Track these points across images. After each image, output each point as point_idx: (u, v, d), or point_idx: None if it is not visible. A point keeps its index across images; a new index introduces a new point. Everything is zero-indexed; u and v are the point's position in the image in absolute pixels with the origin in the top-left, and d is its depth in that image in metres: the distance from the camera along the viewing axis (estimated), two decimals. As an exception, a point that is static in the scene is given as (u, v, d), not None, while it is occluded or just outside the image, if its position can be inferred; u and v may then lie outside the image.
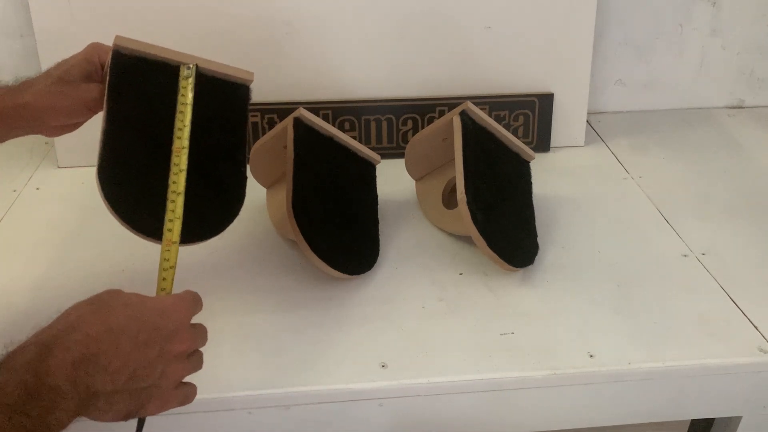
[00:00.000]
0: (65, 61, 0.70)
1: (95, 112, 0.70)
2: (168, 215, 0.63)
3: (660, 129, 1.14)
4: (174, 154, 0.66)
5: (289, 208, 0.74)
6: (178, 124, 0.67)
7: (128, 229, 0.67)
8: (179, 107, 0.68)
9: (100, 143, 0.67)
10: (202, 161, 0.68)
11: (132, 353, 0.50)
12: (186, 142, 0.66)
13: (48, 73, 0.69)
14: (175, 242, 0.62)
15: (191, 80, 0.69)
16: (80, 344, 0.48)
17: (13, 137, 0.70)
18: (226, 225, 0.72)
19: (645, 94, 1.19)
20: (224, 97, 0.73)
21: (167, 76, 0.70)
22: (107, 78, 0.68)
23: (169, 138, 0.67)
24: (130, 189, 0.68)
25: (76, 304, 0.51)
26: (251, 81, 0.74)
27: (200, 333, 0.57)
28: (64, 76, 0.68)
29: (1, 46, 1.02)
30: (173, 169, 0.65)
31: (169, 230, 0.63)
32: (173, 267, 0.61)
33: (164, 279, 0.61)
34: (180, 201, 0.64)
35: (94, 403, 0.48)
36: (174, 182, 0.64)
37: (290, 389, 0.65)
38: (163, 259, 0.61)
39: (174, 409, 0.64)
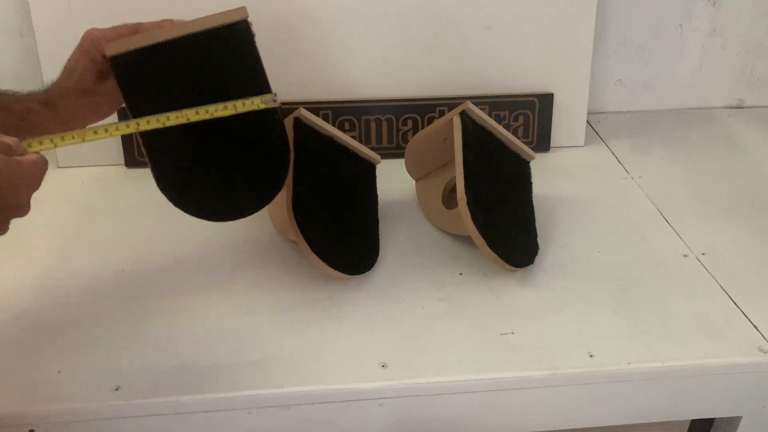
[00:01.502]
0: (72, 68, 0.69)
1: (119, 105, 0.71)
2: (110, 128, 0.63)
3: (660, 129, 1.14)
4: (178, 112, 0.65)
5: (289, 208, 0.74)
6: (210, 108, 0.67)
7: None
8: (229, 105, 0.68)
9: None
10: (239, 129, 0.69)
11: None
12: (194, 119, 0.66)
13: (64, 87, 0.69)
14: (84, 141, 0.61)
15: (258, 107, 0.70)
16: None
17: None
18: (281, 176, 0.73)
19: (645, 94, 1.19)
20: (228, 44, 0.71)
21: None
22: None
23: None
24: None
25: None
26: (246, 16, 0.72)
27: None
28: (81, 86, 0.69)
29: (1, 46, 1.02)
30: (161, 116, 0.65)
31: (95, 132, 0.62)
32: (56, 145, 0.60)
33: (40, 143, 0.59)
34: (127, 131, 0.65)
35: None
36: (147, 121, 0.65)
37: (290, 389, 0.65)
38: (60, 137, 0.60)
39: (174, 409, 0.64)
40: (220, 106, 0.68)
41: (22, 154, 0.57)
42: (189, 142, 0.70)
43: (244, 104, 0.69)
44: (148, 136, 0.67)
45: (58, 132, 0.61)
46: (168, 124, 0.65)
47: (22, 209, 0.57)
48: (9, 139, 0.57)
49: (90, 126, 0.63)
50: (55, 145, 0.60)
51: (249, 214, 0.72)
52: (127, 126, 0.65)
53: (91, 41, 0.69)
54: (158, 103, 0.67)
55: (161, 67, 0.69)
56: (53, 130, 0.64)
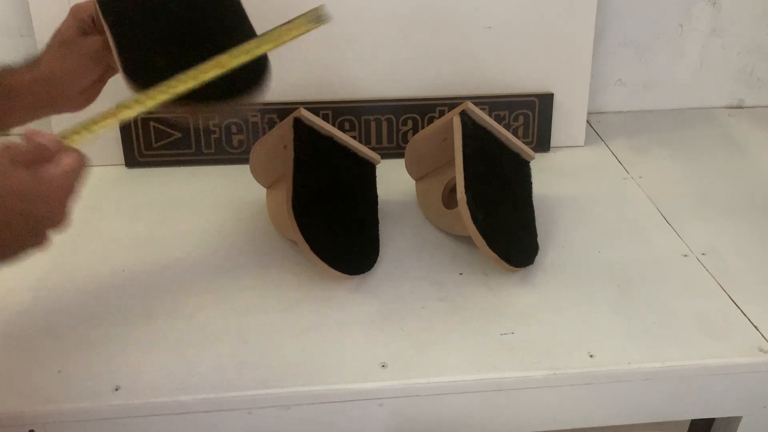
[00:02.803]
0: (57, 29, 0.71)
1: (104, 65, 0.70)
2: (140, 97, 0.59)
3: (660, 129, 1.14)
4: (208, 63, 0.61)
5: (289, 208, 0.74)
6: (245, 46, 0.61)
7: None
8: (270, 36, 0.62)
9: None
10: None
11: (8, 232, 0.52)
12: (231, 66, 0.61)
13: (47, 44, 0.70)
14: (119, 119, 0.59)
15: (308, 29, 0.62)
16: None
17: (38, 117, 0.69)
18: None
19: (645, 94, 1.19)
20: None
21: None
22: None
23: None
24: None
25: None
26: None
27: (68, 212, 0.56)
28: (62, 38, 0.69)
29: (1, 46, 1.02)
30: (190, 72, 0.60)
31: (127, 107, 0.59)
32: (94, 133, 0.58)
33: (76, 133, 0.57)
34: (162, 97, 0.60)
35: None
36: (179, 80, 0.60)
37: (290, 389, 0.65)
38: (92, 121, 0.58)
39: (174, 409, 0.64)
40: (254, 42, 0.61)
41: (58, 151, 0.55)
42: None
43: (287, 32, 0.61)
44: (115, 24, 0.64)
45: (41, 92, 0.61)
46: (201, 78, 0.60)
47: (57, 221, 0.55)
48: (44, 139, 0.55)
49: (119, 103, 0.59)
50: (92, 132, 0.57)
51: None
52: (160, 92, 0.59)
53: (77, 6, 0.70)
54: (144, 36, 0.64)
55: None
56: (34, 89, 0.64)
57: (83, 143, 0.57)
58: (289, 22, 0.62)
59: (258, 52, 0.62)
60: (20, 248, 0.55)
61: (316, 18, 0.63)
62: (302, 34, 0.62)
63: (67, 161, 0.55)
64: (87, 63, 0.70)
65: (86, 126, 0.58)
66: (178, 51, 0.66)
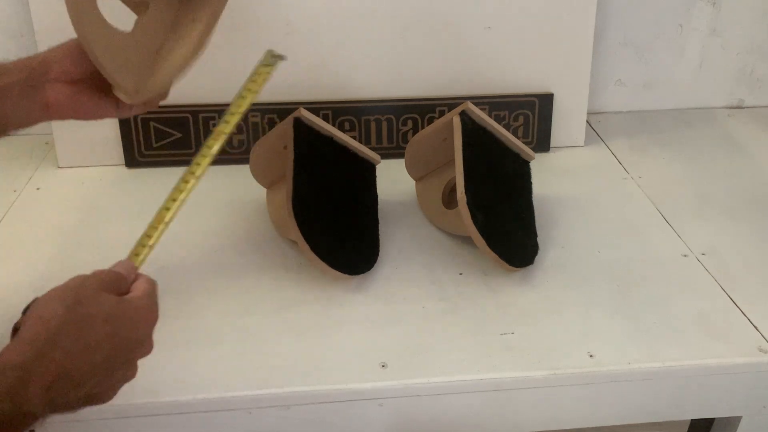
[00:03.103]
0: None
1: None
2: (173, 194, 0.63)
3: (660, 129, 1.14)
4: (212, 136, 0.65)
5: (289, 208, 0.74)
6: (232, 108, 0.66)
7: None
8: (244, 92, 0.66)
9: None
10: None
11: (102, 366, 0.50)
12: (230, 130, 0.65)
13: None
14: (166, 223, 0.62)
15: (270, 72, 0.67)
16: (58, 364, 0.48)
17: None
18: None
19: (645, 94, 1.19)
20: None
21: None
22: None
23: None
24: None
25: (50, 301, 0.50)
26: None
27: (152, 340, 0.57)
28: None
29: (1, 46, 1.02)
30: (203, 150, 0.64)
31: (167, 209, 0.62)
32: (151, 246, 0.61)
33: (137, 254, 0.60)
34: (191, 184, 0.63)
35: (60, 411, 0.49)
36: (197, 164, 0.64)
37: (290, 389, 0.65)
38: (146, 236, 0.61)
39: (174, 409, 0.64)
40: (238, 100, 0.67)
41: (135, 278, 0.57)
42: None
43: (255, 81, 0.67)
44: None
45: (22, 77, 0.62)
46: (213, 151, 0.65)
47: (147, 348, 0.55)
48: (121, 268, 0.57)
49: (162, 207, 0.62)
50: (150, 247, 0.61)
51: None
52: (186, 182, 0.63)
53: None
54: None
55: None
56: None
57: (144, 261, 0.61)
58: (252, 74, 0.68)
59: (243, 109, 0.67)
60: (114, 379, 0.53)
61: (269, 59, 0.69)
62: (268, 78, 0.68)
63: (144, 286, 0.56)
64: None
65: (142, 242, 0.61)
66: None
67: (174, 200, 0.63)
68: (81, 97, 0.66)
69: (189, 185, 0.63)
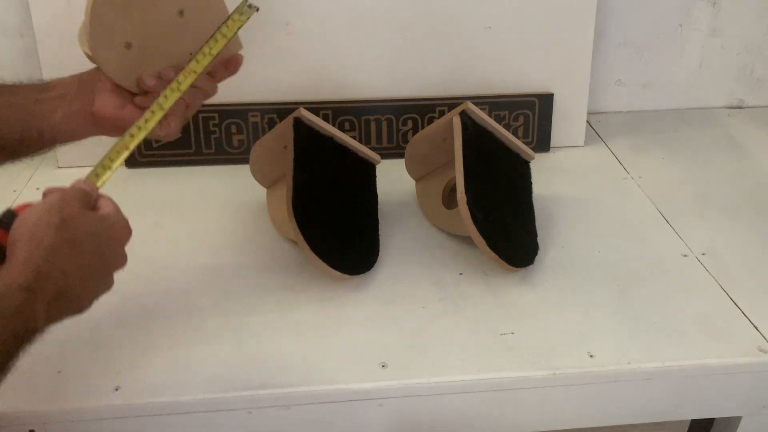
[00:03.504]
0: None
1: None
2: (138, 123, 0.65)
3: (660, 129, 1.14)
4: (183, 72, 0.66)
5: (289, 208, 0.74)
6: (205, 49, 0.67)
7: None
8: (218, 35, 0.68)
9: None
10: None
11: (90, 281, 0.55)
12: (201, 69, 0.67)
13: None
14: (130, 149, 0.64)
15: (243, 20, 0.69)
16: (56, 282, 0.52)
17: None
18: None
19: (645, 94, 1.19)
20: None
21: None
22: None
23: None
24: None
25: (38, 221, 0.53)
26: None
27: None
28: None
29: (1, 46, 1.02)
30: (172, 84, 0.66)
31: (132, 136, 0.64)
32: (113, 170, 0.63)
33: (98, 175, 0.62)
34: (158, 116, 0.65)
35: (50, 324, 0.53)
36: (165, 96, 0.66)
37: (290, 389, 0.65)
38: (108, 158, 0.63)
39: (174, 409, 0.64)
40: (210, 42, 0.68)
41: (97, 197, 0.59)
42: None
43: (228, 27, 0.68)
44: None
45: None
46: (183, 87, 0.66)
47: (122, 261, 0.59)
48: (84, 185, 0.59)
49: (128, 131, 0.64)
50: (111, 169, 0.63)
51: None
52: (152, 112, 0.65)
53: None
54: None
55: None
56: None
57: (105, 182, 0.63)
58: (227, 20, 0.69)
59: (215, 51, 0.68)
60: (97, 293, 0.57)
61: (243, 9, 0.69)
62: (241, 26, 0.69)
63: (111, 204, 0.59)
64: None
65: (103, 164, 0.63)
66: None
67: (139, 128, 0.65)
68: (127, 112, 0.67)
69: (156, 116, 0.65)
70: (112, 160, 0.63)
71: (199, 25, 0.68)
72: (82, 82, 0.66)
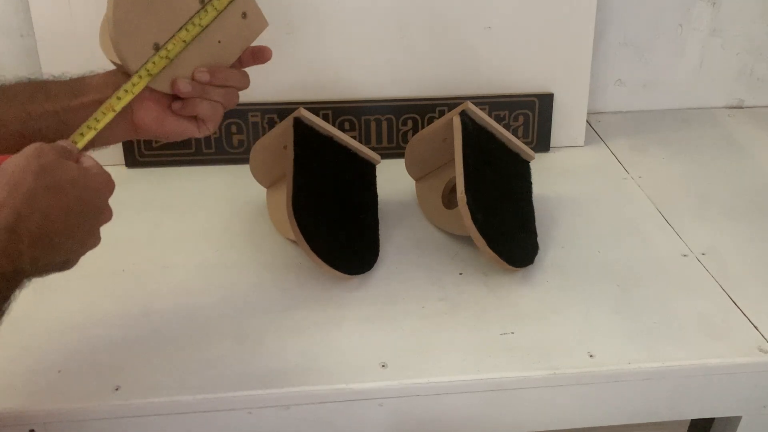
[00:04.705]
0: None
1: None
2: (125, 86, 0.64)
3: (660, 129, 1.14)
4: (172, 40, 0.66)
5: (289, 208, 0.74)
6: (195, 20, 0.66)
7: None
8: (208, 7, 0.67)
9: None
10: None
11: (76, 229, 0.54)
12: (190, 39, 0.66)
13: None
14: (116, 111, 0.63)
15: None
16: (38, 224, 0.51)
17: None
18: None
19: (645, 94, 1.19)
20: None
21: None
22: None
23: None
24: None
25: (15, 168, 0.52)
26: None
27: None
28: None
29: (1, 46, 1.02)
30: (161, 52, 0.65)
31: (119, 98, 0.64)
32: (97, 129, 0.63)
33: (82, 134, 0.62)
34: (145, 80, 0.64)
35: (38, 273, 0.53)
36: (153, 63, 0.65)
37: (290, 389, 0.65)
38: (94, 119, 0.63)
39: (173, 409, 0.64)
40: (202, 13, 0.67)
41: (78, 154, 0.58)
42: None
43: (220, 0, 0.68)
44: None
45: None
46: (172, 54, 0.65)
47: (107, 215, 0.58)
48: (64, 143, 0.58)
49: (115, 94, 0.64)
50: (96, 129, 0.62)
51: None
52: (140, 77, 0.64)
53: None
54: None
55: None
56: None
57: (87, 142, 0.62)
58: None
59: (205, 23, 0.67)
60: (83, 245, 0.56)
61: None
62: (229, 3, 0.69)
63: (92, 160, 0.58)
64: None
65: (89, 125, 0.62)
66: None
67: (126, 92, 0.64)
68: (166, 116, 0.67)
69: (143, 81, 0.64)
70: (97, 121, 0.63)
71: (224, 18, 0.68)
72: (117, 87, 0.66)
